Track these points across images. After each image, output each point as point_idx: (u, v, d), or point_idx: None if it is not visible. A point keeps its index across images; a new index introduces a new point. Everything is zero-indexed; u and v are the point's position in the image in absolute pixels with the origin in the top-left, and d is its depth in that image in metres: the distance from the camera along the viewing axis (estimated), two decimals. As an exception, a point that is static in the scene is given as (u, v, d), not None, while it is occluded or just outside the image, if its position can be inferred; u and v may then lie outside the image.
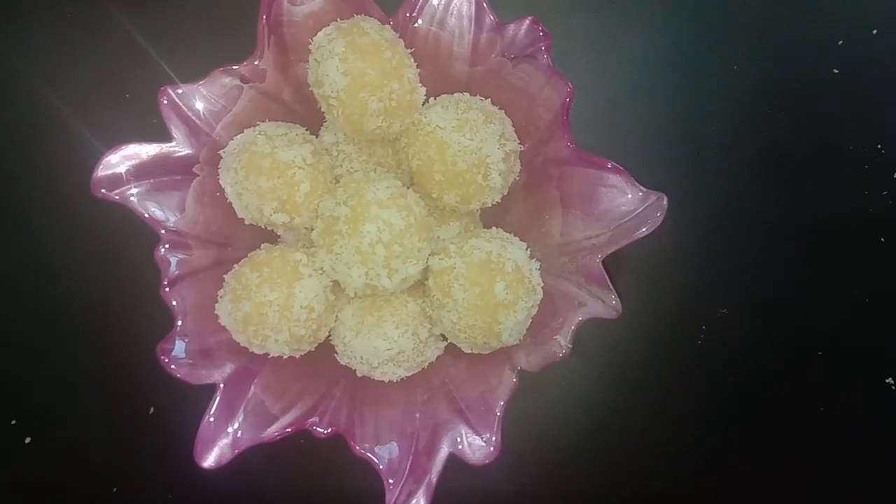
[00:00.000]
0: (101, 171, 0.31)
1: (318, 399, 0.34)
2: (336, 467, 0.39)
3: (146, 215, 0.32)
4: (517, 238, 0.33)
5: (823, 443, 0.40)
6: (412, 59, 0.32)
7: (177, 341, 0.31)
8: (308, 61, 0.32)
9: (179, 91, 0.32)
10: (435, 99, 0.33)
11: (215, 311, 0.32)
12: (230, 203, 0.33)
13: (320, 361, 0.34)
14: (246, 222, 0.33)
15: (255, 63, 0.33)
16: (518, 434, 0.40)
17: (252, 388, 0.33)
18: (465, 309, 0.30)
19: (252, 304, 0.30)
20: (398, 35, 0.32)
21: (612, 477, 0.40)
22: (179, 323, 0.31)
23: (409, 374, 0.34)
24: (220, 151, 0.33)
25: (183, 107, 0.32)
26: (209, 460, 0.31)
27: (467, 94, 0.33)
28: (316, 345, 0.33)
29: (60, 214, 0.41)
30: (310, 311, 0.31)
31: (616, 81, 0.42)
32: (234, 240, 0.35)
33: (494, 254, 0.31)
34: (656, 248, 0.40)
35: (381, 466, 0.32)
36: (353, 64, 0.30)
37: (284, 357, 0.32)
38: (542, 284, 0.32)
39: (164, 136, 0.32)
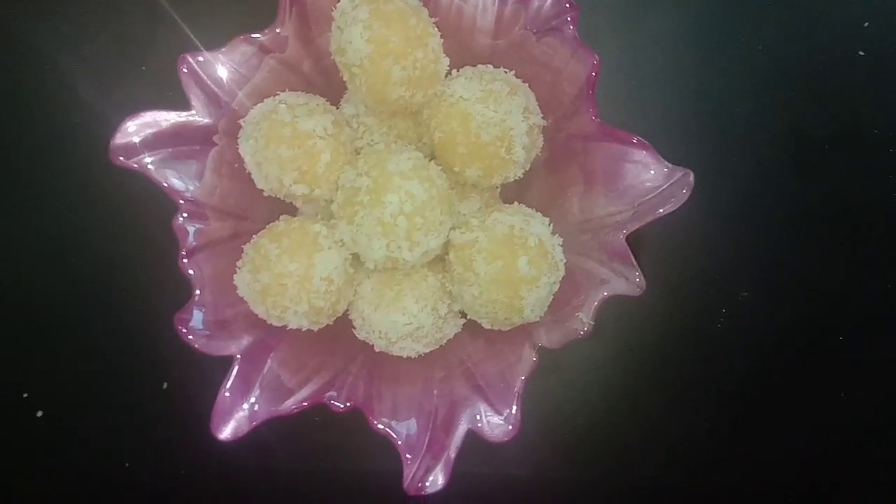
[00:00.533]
0: (119, 139, 0.31)
1: (335, 375, 0.33)
2: (351, 445, 0.39)
3: (164, 184, 0.32)
4: (539, 214, 0.32)
5: (844, 429, 0.40)
6: (436, 29, 0.31)
7: (194, 311, 0.31)
8: (329, 32, 0.32)
9: (199, 59, 0.32)
10: (458, 71, 0.33)
11: (233, 283, 0.32)
12: (248, 175, 0.32)
13: (337, 337, 0.34)
14: (265, 193, 0.33)
15: (277, 31, 0.32)
16: (534, 417, 0.39)
17: (269, 361, 0.33)
18: (487, 283, 0.30)
19: (271, 274, 0.30)
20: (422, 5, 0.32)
21: (627, 462, 0.40)
22: (197, 293, 0.31)
23: (427, 351, 0.33)
24: (240, 121, 0.32)
25: (202, 75, 0.32)
26: (226, 432, 0.31)
27: (491, 66, 0.33)
28: (334, 318, 0.33)
29: (78, 184, 0.40)
30: (329, 282, 0.30)
31: (642, 59, 0.41)
32: (252, 212, 0.35)
33: (517, 228, 0.30)
34: (677, 229, 0.40)
35: (399, 442, 0.31)
36: (377, 31, 0.29)
37: (303, 330, 0.32)
38: (565, 261, 0.31)
39: (183, 106, 0.32)
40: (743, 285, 0.40)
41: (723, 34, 0.41)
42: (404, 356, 0.33)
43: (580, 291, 0.32)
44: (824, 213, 0.40)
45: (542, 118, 0.33)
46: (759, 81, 0.41)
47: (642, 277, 0.30)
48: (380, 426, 0.31)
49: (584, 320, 0.31)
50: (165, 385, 0.39)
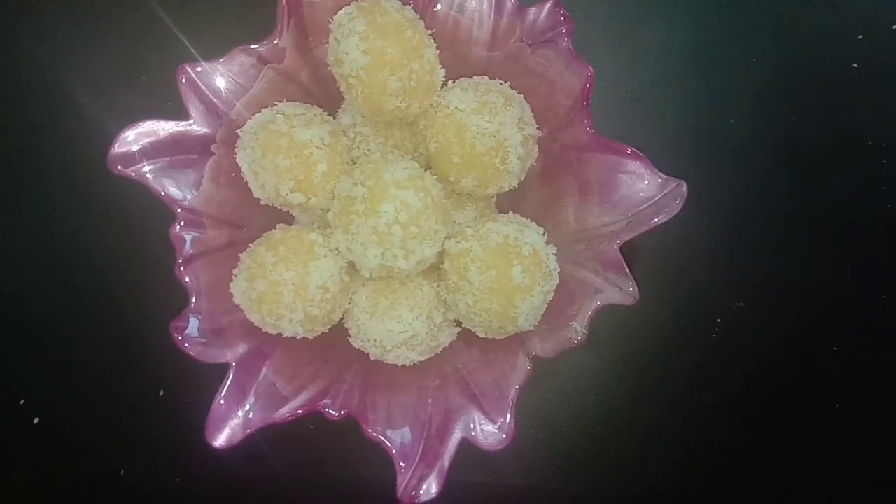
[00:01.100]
0: (118, 148, 0.31)
1: (330, 383, 0.34)
2: (346, 452, 0.39)
3: (162, 193, 0.32)
4: (534, 223, 0.32)
5: (838, 439, 0.40)
6: (432, 40, 0.32)
7: (190, 319, 0.31)
8: (327, 43, 0.32)
9: (198, 69, 0.32)
10: (454, 82, 0.33)
11: (229, 291, 0.32)
12: (245, 184, 0.33)
13: (333, 346, 0.34)
14: (262, 202, 0.33)
15: (275, 43, 0.33)
16: (529, 426, 0.39)
17: (264, 369, 0.33)
18: (481, 292, 0.30)
19: (267, 282, 0.30)
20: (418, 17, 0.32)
21: (622, 471, 0.40)
22: (193, 301, 0.31)
23: (422, 359, 0.34)
24: (238, 130, 0.32)
25: (201, 85, 0.32)
26: (220, 440, 0.31)
27: (486, 78, 0.33)
28: (329, 326, 0.33)
29: (76, 192, 0.41)
30: (325, 291, 0.31)
31: (636, 71, 0.41)
32: (249, 221, 0.35)
33: (511, 237, 0.30)
34: (672, 240, 0.40)
35: (393, 450, 0.31)
36: (373, 43, 0.29)
37: (298, 338, 0.32)
38: (559, 270, 0.32)
39: (182, 116, 0.32)
40: (738, 295, 0.40)
41: (717, 46, 0.42)
42: (399, 364, 0.33)
43: (574, 301, 0.32)
44: (819, 224, 0.41)
45: (537, 129, 0.33)
46: (754, 93, 0.41)
47: (636, 287, 0.30)
48: (374, 434, 0.31)
49: (578, 329, 0.31)
50: (162, 392, 0.40)
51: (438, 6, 0.33)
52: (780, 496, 0.40)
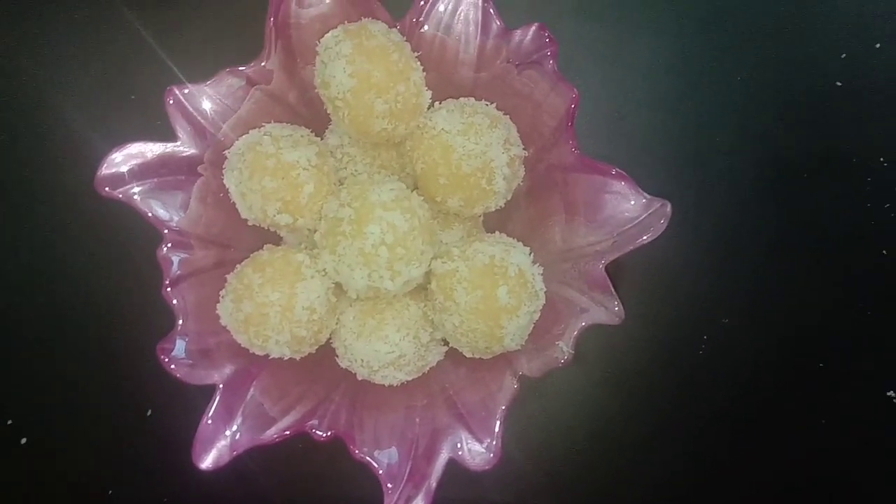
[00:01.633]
0: (105, 170, 0.31)
1: (318, 403, 0.34)
2: (334, 472, 0.39)
3: (149, 214, 0.32)
4: (520, 243, 0.33)
5: (824, 455, 0.40)
6: (419, 63, 0.32)
7: (177, 341, 0.31)
8: (314, 64, 0.32)
9: (185, 91, 0.32)
10: (440, 103, 0.34)
11: (216, 312, 0.32)
12: (233, 205, 0.33)
13: (320, 366, 0.34)
14: (249, 223, 0.33)
15: (262, 65, 0.33)
16: (517, 444, 0.39)
17: (251, 390, 0.33)
18: (468, 312, 0.30)
19: (254, 304, 0.30)
20: (405, 39, 0.32)
21: (610, 490, 0.40)
22: (180, 322, 0.31)
23: (409, 379, 0.34)
24: (225, 152, 0.33)
25: (188, 107, 0.32)
26: (207, 461, 0.31)
27: (472, 99, 0.33)
28: (316, 347, 0.33)
29: (64, 213, 0.41)
30: (311, 312, 0.31)
31: (621, 90, 0.42)
32: (236, 241, 0.35)
33: (497, 258, 0.31)
34: (658, 258, 0.40)
35: (380, 471, 0.31)
36: (359, 66, 0.30)
37: (285, 359, 0.32)
38: (545, 290, 0.32)
39: (170, 137, 0.32)
40: (724, 312, 0.40)
41: (702, 65, 0.42)
42: (386, 384, 0.33)
43: (560, 320, 0.32)
44: (804, 241, 0.41)
45: (523, 149, 0.33)
46: (739, 111, 0.42)
47: (621, 307, 0.31)
48: (361, 455, 0.31)
49: (564, 349, 0.31)
50: (150, 412, 0.40)
51: (425, 27, 0.34)
52: (768, 512, 0.40)
